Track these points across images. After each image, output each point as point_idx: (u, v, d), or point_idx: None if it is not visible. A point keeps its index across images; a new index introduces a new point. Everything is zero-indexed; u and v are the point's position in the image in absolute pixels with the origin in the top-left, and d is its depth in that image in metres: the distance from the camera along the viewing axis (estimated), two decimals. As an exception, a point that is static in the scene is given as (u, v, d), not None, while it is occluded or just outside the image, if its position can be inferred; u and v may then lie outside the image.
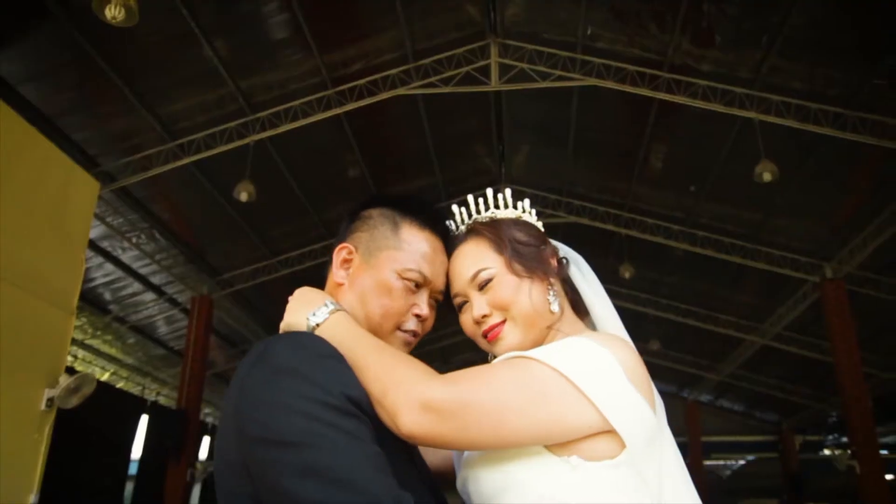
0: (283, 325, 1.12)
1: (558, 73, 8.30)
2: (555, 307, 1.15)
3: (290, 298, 1.17)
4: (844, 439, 12.46)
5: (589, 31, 7.94)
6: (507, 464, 1.02)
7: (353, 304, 1.16)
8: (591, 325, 1.23)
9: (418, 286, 1.18)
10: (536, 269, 1.17)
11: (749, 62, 7.60)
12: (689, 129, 8.93)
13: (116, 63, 7.17)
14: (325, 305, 1.09)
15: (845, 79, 7.33)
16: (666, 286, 13.16)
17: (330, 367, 0.97)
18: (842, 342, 9.92)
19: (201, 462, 11.89)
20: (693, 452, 18.31)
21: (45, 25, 6.53)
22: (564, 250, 1.28)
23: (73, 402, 5.86)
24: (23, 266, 5.64)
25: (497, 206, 1.27)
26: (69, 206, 6.41)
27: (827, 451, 17.27)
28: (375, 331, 1.13)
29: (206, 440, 14.10)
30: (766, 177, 7.80)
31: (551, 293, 1.16)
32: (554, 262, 1.20)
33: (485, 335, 1.17)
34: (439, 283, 1.21)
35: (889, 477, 18.77)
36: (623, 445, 0.98)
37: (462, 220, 1.28)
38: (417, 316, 1.18)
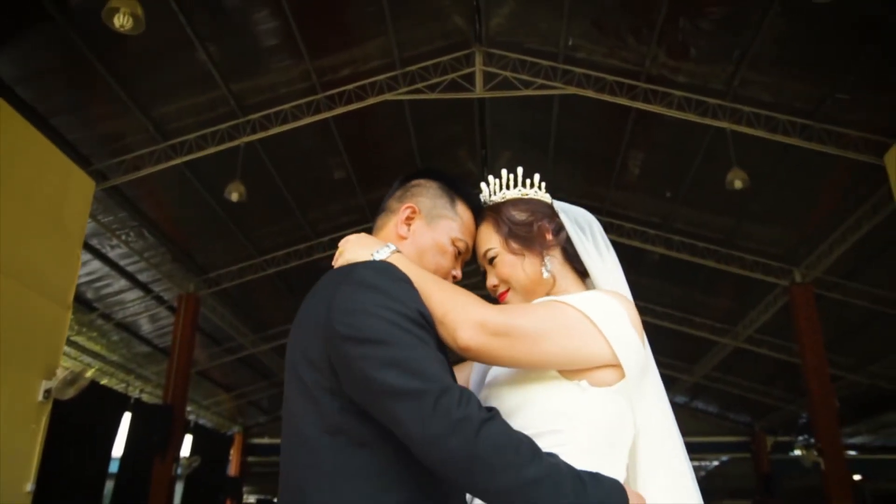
0: (343, 262, 1.32)
1: (540, 81, 8.60)
2: (546, 275, 1.40)
3: (345, 241, 1.38)
4: (814, 440, 12.88)
5: (570, 42, 8.25)
6: (528, 385, 1.27)
7: (410, 255, 1.37)
8: (591, 285, 1.45)
9: (460, 254, 1.44)
10: (530, 245, 1.41)
11: (721, 75, 7.93)
12: (665, 138, 9.25)
13: (112, 65, 7.32)
14: (387, 247, 1.31)
15: (811, 92, 7.68)
16: (643, 289, 13.47)
17: (405, 287, 1.19)
18: (809, 344, 10.24)
19: (185, 458, 12.02)
20: (668, 453, 18.67)
21: (42, 27, 6.66)
22: (573, 214, 1.48)
23: (70, 393, 6.06)
24: (21, 261, 5.84)
25: (508, 186, 1.49)
26: (66, 204, 6.62)
27: (798, 452, 17.70)
28: None
29: (188, 438, 14.16)
30: (738, 184, 8.15)
31: (545, 264, 1.41)
32: (549, 236, 1.42)
33: (498, 298, 1.45)
34: (471, 253, 1.48)
35: (857, 477, 19.33)
36: (621, 377, 1.25)
37: (486, 198, 1.51)
38: (455, 277, 1.44)
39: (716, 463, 22.54)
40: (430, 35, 8.57)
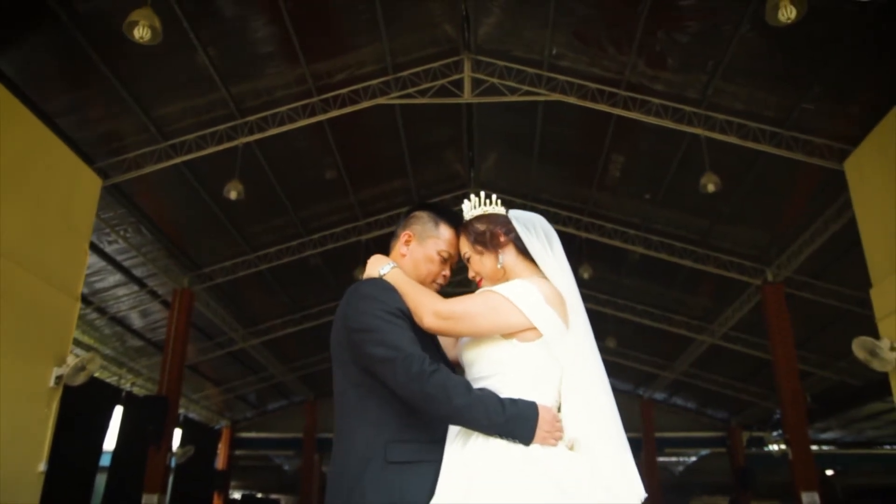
0: (366, 275, 1.99)
1: (526, 88, 9.00)
2: (499, 266, 1.98)
3: (369, 261, 2.03)
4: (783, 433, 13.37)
5: (554, 51, 8.66)
6: (482, 345, 1.88)
7: (409, 266, 2.04)
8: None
9: (445, 260, 2.06)
10: (488, 246, 1.99)
11: (697, 84, 8.37)
12: (644, 143, 9.67)
13: (114, 66, 7.59)
14: (389, 265, 1.98)
15: (780, 102, 8.14)
16: (623, 287, 13.91)
17: (389, 294, 1.85)
18: (780, 341, 10.71)
19: (179, 448, 12.29)
20: (647, 448, 19.16)
21: (46, 28, 6.90)
22: (523, 219, 2.03)
23: (80, 379, 6.40)
24: (34, 254, 6.18)
25: (475, 207, 2.06)
26: (75, 201, 6.96)
27: (773, 447, 18.23)
28: (422, 282, 1.98)
29: (177, 431, 14.36)
30: (710, 188, 8.58)
31: (498, 259, 1.98)
32: (501, 238, 1.99)
33: (477, 285, 2.02)
34: (456, 258, 2.09)
35: (829, 472, 19.89)
36: (539, 335, 1.82)
37: (465, 215, 2.08)
38: (444, 276, 2.09)
39: (694, 458, 23.05)
40: (421, 42, 8.93)
